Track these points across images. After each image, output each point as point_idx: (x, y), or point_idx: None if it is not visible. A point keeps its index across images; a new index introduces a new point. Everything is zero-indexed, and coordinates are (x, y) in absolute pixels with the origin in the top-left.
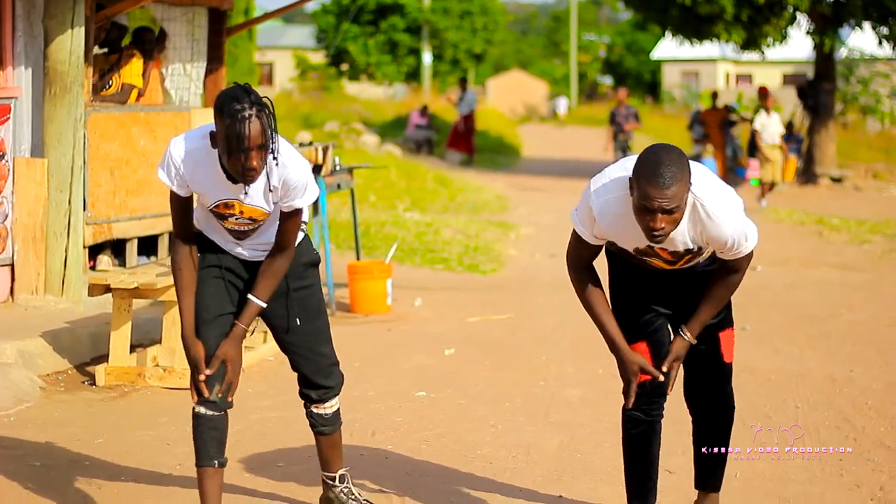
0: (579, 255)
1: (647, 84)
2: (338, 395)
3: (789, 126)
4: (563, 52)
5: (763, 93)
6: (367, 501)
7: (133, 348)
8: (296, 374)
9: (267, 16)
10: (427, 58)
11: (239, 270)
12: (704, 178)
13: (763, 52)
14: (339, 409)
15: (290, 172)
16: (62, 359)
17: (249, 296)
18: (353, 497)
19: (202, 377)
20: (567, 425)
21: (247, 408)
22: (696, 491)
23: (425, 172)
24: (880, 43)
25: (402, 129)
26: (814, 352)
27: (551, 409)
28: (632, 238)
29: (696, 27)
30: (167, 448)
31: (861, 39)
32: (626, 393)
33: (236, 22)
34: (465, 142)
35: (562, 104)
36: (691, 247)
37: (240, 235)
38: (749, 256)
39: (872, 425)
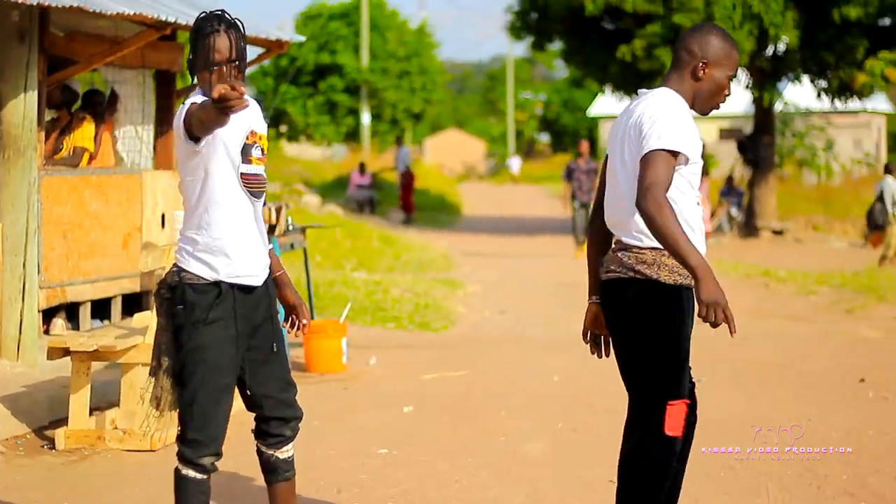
0: (669, 178)
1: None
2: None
3: (729, 180)
4: (500, 111)
5: None
6: None
7: (91, 411)
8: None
9: None
10: (366, 118)
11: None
12: None
13: None
14: (293, 454)
15: None
16: (20, 423)
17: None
18: None
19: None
20: (530, 480)
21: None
22: None
23: (370, 232)
24: (819, 96)
25: (343, 189)
26: (769, 402)
27: (513, 464)
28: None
29: (635, 83)
30: None
31: (798, 93)
32: (728, 319)
33: (186, 84)
34: (403, 200)
35: (515, 163)
36: None
37: (259, 188)
38: (654, 171)
39: (835, 473)
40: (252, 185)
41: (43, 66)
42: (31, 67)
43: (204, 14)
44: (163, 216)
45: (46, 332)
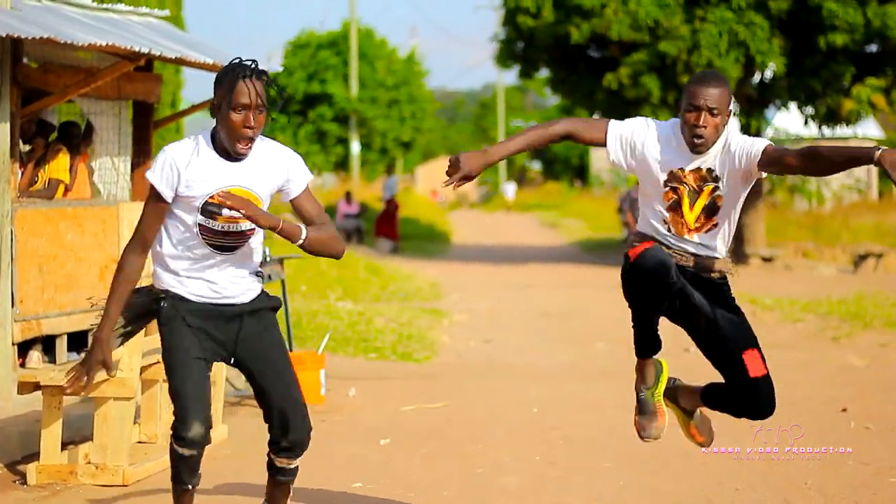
0: (588, 123)
1: (576, 168)
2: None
3: None
4: (491, 138)
5: None
6: None
7: (64, 445)
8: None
9: (194, 108)
10: (355, 147)
11: (216, 343)
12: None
13: None
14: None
15: (284, 150)
16: None
17: (301, 225)
18: None
19: (112, 374)
20: None
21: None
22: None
23: (356, 261)
24: (806, 123)
25: (331, 218)
26: (750, 431)
27: (488, 497)
28: (672, 158)
29: (622, 110)
30: None
31: (786, 119)
32: None
33: (164, 115)
34: (388, 227)
35: (510, 190)
36: (715, 169)
37: (225, 248)
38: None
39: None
40: (220, 244)
41: (16, 98)
42: (3, 99)
43: (236, 60)
44: None
45: (23, 365)
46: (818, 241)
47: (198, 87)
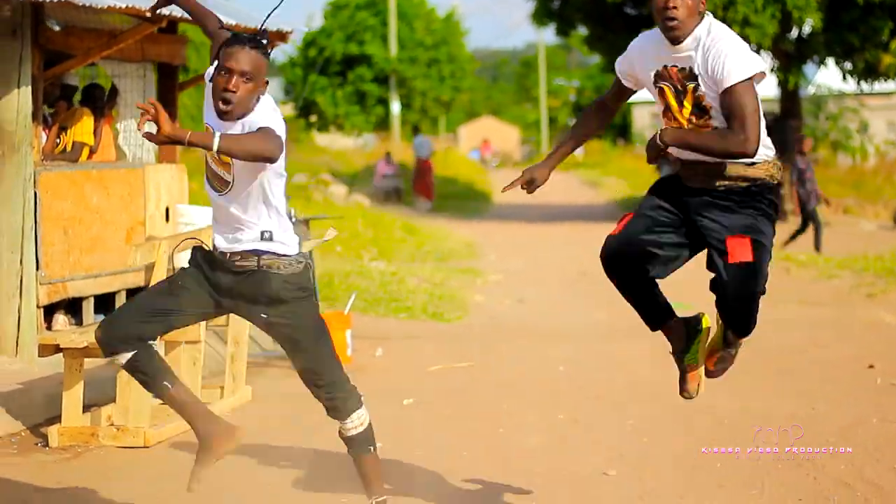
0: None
1: (618, 126)
2: (350, 415)
3: None
4: (534, 98)
5: None
6: None
7: (88, 408)
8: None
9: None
10: (395, 107)
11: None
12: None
13: None
14: (360, 434)
15: (257, 117)
16: (15, 420)
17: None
18: None
19: None
20: (525, 473)
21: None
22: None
23: (392, 222)
24: (844, 78)
25: (371, 178)
26: (773, 389)
27: (510, 457)
28: (652, 57)
29: None
30: None
31: (826, 76)
32: None
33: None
34: (422, 186)
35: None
36: (696, 67)
37: (219, 185)
38: (751, 113)
39: (833, 463)
40: (217, 179)
41: (38, 61)
42: (25, 62)
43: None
44: (167, 210)
45: (49, 327)
46: (860, 197)
47: None
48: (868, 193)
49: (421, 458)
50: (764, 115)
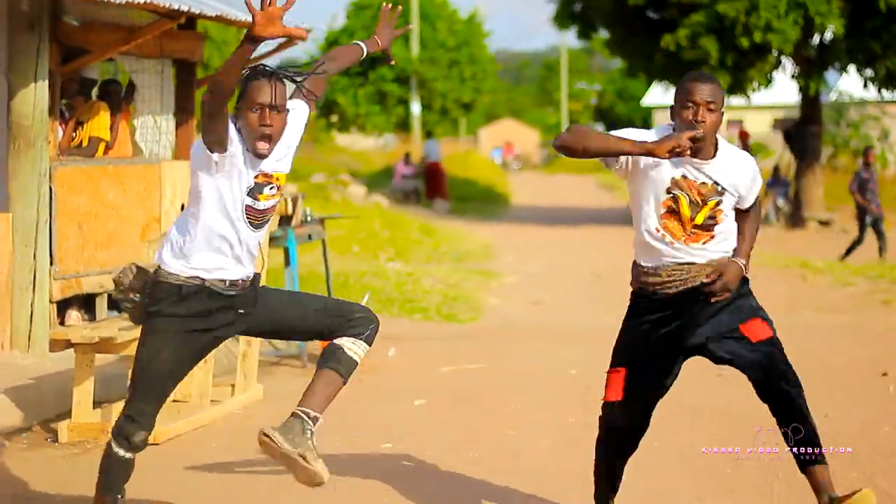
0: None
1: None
2: (362, 338)
3: (775, 170)
4: (555, 101)
5: (743, 136)
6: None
7: (99, 404)
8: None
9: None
10: (416, 108)
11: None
12: None
13: (748, 97)
14: (351, 358)
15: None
16: (26, 415)
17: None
18: (312, 439)
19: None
20: (534, 475)
21: (210, 462)
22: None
23: (410, 222)
24: (865, 85)
25: (390, 179)
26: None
27: (519, 459)
28: (672, 163)
29: (680, 73)
30: None
31: (848, 83)
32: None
33: (207, 73)
34: (434, 189)
35: None
36: (720, 183)
37: (260, 219)
38: (759, 203)
39: (845, 469)
40: (257, 217)
41: (56, 56)
42: (42, 57)
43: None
44: (182, 206)
45: (62, 323)
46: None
47: None
48: (888, 201)
49: (432, 457)
50: (784, 120)
